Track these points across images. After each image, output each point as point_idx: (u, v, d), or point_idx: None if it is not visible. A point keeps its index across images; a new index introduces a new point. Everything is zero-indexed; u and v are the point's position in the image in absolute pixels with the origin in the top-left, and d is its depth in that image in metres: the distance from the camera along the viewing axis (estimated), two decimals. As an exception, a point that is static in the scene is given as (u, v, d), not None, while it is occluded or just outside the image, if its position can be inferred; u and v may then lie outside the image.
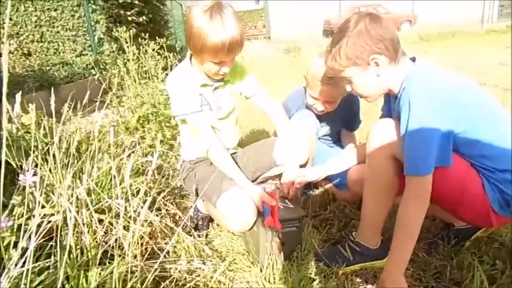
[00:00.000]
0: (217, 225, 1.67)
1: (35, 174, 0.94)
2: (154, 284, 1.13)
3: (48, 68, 5.09)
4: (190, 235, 1.45)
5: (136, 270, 1.04)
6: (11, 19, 5.32)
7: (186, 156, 1.58)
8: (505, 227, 1.43)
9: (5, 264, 0.86)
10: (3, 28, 5.25)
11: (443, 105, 1.06)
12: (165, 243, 1.32)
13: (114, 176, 1.18)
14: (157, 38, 3.57)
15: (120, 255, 1.01)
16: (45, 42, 5.75)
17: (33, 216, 0.89)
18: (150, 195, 1.10)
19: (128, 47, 3.13)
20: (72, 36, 6.00)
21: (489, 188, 1.10)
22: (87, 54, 6.08)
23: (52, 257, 0.98)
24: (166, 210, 1.53)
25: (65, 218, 0.99)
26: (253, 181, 1.47)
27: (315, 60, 1.69)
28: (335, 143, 2.06)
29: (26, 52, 5.50)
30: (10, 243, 0.95)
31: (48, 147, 1.23)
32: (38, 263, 0.94)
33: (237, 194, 1.34)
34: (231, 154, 1.49)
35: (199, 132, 1.41)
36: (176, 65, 1.81)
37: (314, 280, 1.25)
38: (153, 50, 3.33)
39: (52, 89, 1.47)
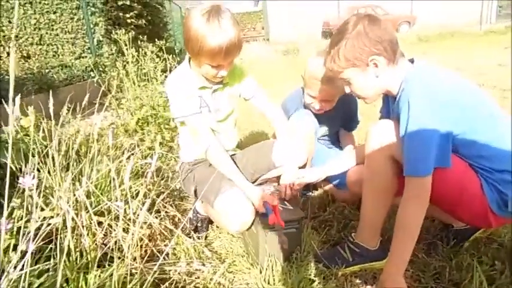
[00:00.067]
0: (217, 227, 1.67)
1: (33, 177, 0.94)
2: (154, 286, 1.12)
3: (47, 70, 5.09)
4: (190, 237, 1.45)
5: (136, 273, 1.04)
6: (10, 22, 5.33)
7: (185, 157, 1.58)
8: (503, 228, 1.43)
9: (4, 267, 0.86)
10: (2, 31, 5.26)
11: (442, 107, 1.06)
12: (165, 245, 1.32)
13: (114, 178, 1.18)
14: (156, 40, 3.57)
15: (119, 258, 1.01)
16: (44, 45, 5.75)
17: (35, 220, 0.89)
18: (149, 198, 1.10)
19: (127, 49, 3.13)
20: (71, 38, 6.01)
21: (487, 188, 1.11)
22: (86, 57, 6.09)
23: (51, 259, 0.98)
24: (166, 212, 1.53)
25: (64, 221, 0.99)
26: (252, 183, 1.48)
27: (312, 59, 1.70)
28: (334, 144, 2.06)
29: (25, 55, 5.51)
30: (9, 246, 0.95)
31: (48, 150, 1.23)
32: (38, 266, 0.94)
33: (234, 194, 1.34)
34: (230, 156, 1.49)
35: (199, 134, 1.41)
36: (175, 67, 1.81)
37: (313, 281, 1.25)
38: (152, 52, 3.34)
39: (50, 91, 1.47)
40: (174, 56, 3.44)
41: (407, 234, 1.10)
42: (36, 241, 0.86)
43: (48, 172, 1.26)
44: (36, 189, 0.93)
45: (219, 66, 1.30)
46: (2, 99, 1.17)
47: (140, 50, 3.30)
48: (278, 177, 1.56)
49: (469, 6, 17.15)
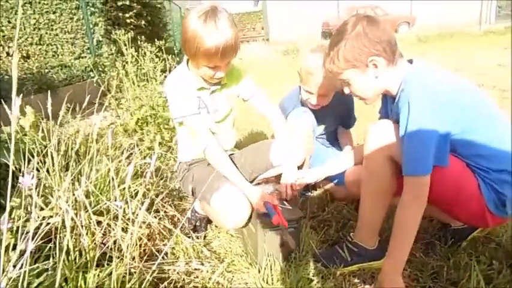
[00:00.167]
0: (216, 226, 1.68)
1: (33, 176, 0.94)
2: (153, 285, 1.13)
3: (46, 70, 5.09)
4: (189, 237, 1.46)
5: (135, 272, 1.04)
6: (9, 22, 5.33)
7: (183, 157, 1.58)
8: (501, 227, 1.44)
9: (3, 266, 0.87)
10: (1, 31, 5.26)
11: (442, 107, 1.07)
12: (164, 245, 1.33)
13: (113, 178, 1.18)
14: (155, 40, 3.57)
15: (118, 257, 1.01)
16: (44, 45, 5.74)
17: (34, 219, 0.90)
18: (148, 197, 1.11)
19: (126, 49, 3.13)
20: (70, 38, 6.00)
21: (485, 188, 1.11)
22: (85, 57, 6.09)
23: (51, 258, 0.98)
24: (165, 212, 1.54)
25: (63, 220, 0.99)
26: (250, 182, 1.48)
27: (307, 55, 1.72)
28: (332, 142, 2.07)
29: (24, 55, 5.50)
30: (9, 245, 0.95)
31: (47, 150, 1.24)
32: (37, 265, 0.94)
33: (230, 191, 1.35)
34: (229, 155, 1.50)
35: (197, 134, 1.42)
36: (175, 67, 1.81)
37: (312, 281, 1.25)
38: (152, 52, 3.34)
39: (49, 92, 1.47)
40: (173, 56, 3.44)
41: (405, 234, 1.11)
42: (36, 240, 0.86)
43: (48, 172, 1.26)
44: (36, 188, 0.94)
45: (216, 67, 1.30)
46: (2, 100, 1.18)
47: (140, 50, 3.30)
48: (276, 177, 1.56)
49: (469, 7, 17.15)
